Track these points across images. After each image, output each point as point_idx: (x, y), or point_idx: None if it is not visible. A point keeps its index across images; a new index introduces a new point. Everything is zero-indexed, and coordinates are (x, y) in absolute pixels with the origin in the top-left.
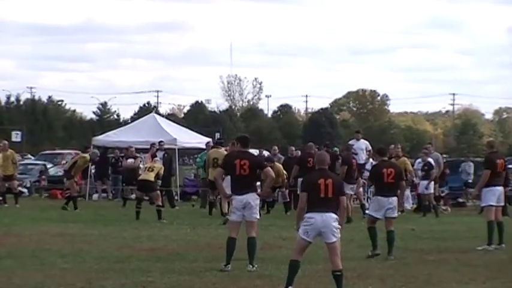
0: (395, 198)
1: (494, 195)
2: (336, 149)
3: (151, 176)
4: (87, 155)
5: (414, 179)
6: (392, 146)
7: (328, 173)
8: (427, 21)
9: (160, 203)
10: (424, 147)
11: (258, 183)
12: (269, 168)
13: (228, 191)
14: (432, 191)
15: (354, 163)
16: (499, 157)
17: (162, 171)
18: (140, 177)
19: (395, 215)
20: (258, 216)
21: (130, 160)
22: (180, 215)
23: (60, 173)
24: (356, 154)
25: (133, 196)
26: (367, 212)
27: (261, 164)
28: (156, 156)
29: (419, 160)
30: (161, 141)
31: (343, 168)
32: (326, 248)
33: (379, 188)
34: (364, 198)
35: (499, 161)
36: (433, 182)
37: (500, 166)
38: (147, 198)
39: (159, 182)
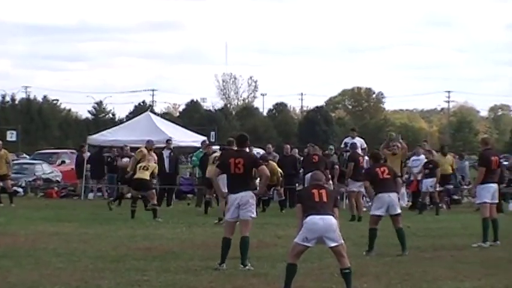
0: (395, 194)
1: (488, 192)
2: (331, 147)
3: (146, 175)
4: (142, 148)
5: (406, 176)
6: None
7: (322, 185)
8: (423, 18)
9: (155, 202)
10: (419, 145)
11: (258, 180)
12: (264, 166)
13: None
14: (437, 189)
15: (361, 160)
16: (493, 154)
17: (156, 170)
18: (135, 176)
19: (399, 211)
20: (254, 215)
21: (125, 159)
22: (176, 214)
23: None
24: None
25: (128, 195)
26: (370, 213)
27: (255, 162)
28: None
29: (414, 157)
30: (168, 140)
31: (350, 165)
32: (320, 247)
33: (377, 185)
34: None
35: (493, 158)
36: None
37: (495, 163)
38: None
39: (154, 180)
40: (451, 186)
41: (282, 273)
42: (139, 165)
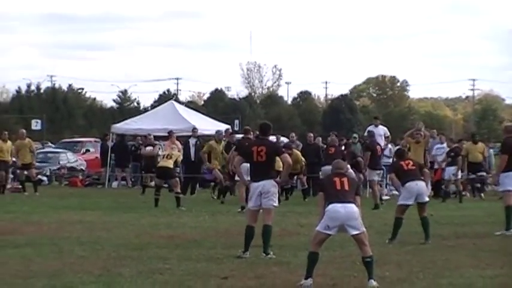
0: (423, 183)
1: None
2: (355, 135)
3: (170, 163)
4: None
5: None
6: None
7: (343, 174)
8: (447, 6)
9: (179, 190)
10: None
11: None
12: (286, 154)
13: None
14: (459, 176)
15: (378, 149)
16: None
17: (180, 159)
18: (159, 165)
19: (427, 199)
20: (276, 204)
21: (149, 148)
22: (199, 202)
23: (79, 161)
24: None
25: (152, 183)
26: (398, 202)
27: (278, 150)
28: (174, 143)
29: (437, 146)
30: (195, 129)
31: (367, 154)
32: (342, 235)
33: (403, 177)
34: (381, 185)
35: None
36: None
37: None
38: (166, 185)
39: (178, 169)
40: (484, 174)
41: (304, 262)
42: (163, 153)
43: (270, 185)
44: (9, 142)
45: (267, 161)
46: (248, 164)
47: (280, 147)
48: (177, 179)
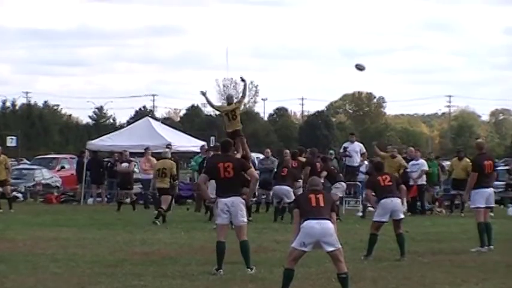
0: (398, 200)
1: (482, 197)
2: (331, 152)
3: (166, 182)
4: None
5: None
6: (390, 146)
7: (319, 190)
8: (422, 23)
9: (164, 207)
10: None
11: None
12: (253, 169)
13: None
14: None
15: (318, 166)
16: (486, 158)
17: (175, 169)
18: (157, 186)
19: (402, 216)
20: (245, 219)
21: (124, 164)
22: (175, 219)
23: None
24: (350, 156)
25: (128, 200)
26: (373, 219)
27: (244, 165)
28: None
29: (413, 162)
30: (169, 145)
31: (306, 169)
32: (318, 251)
33: (379, 192)
34: (357, 202)
35: (486, 163)
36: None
37: (489, 167)
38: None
39: (176, 182)
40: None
41: (279, 278)
42: (157, 169)
43: (238, 201)
44: None
45: (234, 177)
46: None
47: (246, 163)
48: (170, 196)
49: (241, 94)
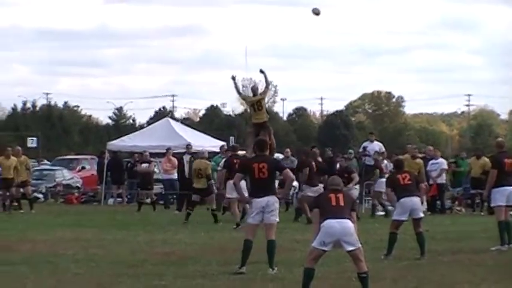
0: (417, 199)
1: (503, 195)
2: (350, 151)
3: (203, 183)
4: None
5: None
6: (409, 145)
7: (339, 190)
8: (440, 21)
9: (214, 207)
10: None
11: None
12: (288, 169)
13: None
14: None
15: (314, 166)
16: (507, 156)
17: (209, 169)
18: (195, 187)
19: (422, 215)
20: (278, 219)
21: (144, 165)
22: (195, 219)
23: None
24: (369, 156)
25: (148, 200)
26: (392, 218)
27: (279, 166)
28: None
29: (432, 161)
30: (189, 145)
31: (305, 170)
32: (338, 251)
33: (399, 191)
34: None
35: (507, 160)
36: None
37: (509, 165)
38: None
39: (213, 181)
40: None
41: (299, 278)
42: (194, 168)
43: (273, 201)
44: (13, 158)
45: (268, 178)
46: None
47: (280, 163)
48: (213, 196)
49: (264, 85)
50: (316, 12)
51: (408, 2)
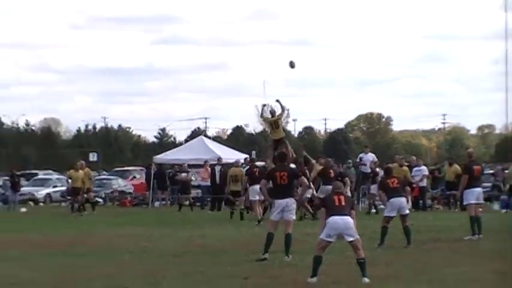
0: (404, 199)
1: (473, 196)
2: (349, 161)
3: (238, 186)
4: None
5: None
6: (397, 156)
7: (341, 192)
8: (423, 56)
9: (242, 206)
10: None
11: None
12: (303, 177)
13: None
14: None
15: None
16: (475, 164)
17: (243, 175)
18: (231, 189)
19: (408, 211)
20: (295, 217)
21: (183, 174)
22: (226, 217)
23: (128, 186)
24: (365, 165)
25: (187, 203)
26: (384, 214)
27: (297, 174)
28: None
29: (416, 168)
30: (219, 158)
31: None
32: (341, 242)
33: (388, 193)
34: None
35: (476, 167)
36: None
37: (477, 171)
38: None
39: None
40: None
41: (310, 264)
42: (230, 175)
43: (291, 202)
44: (81, 172)
45: (288, 184)
46: (258, 187)
47: (298, 172)
48: (243, 197)
49: (280, 110)
50: (292, 65)
51: (397, 40)
